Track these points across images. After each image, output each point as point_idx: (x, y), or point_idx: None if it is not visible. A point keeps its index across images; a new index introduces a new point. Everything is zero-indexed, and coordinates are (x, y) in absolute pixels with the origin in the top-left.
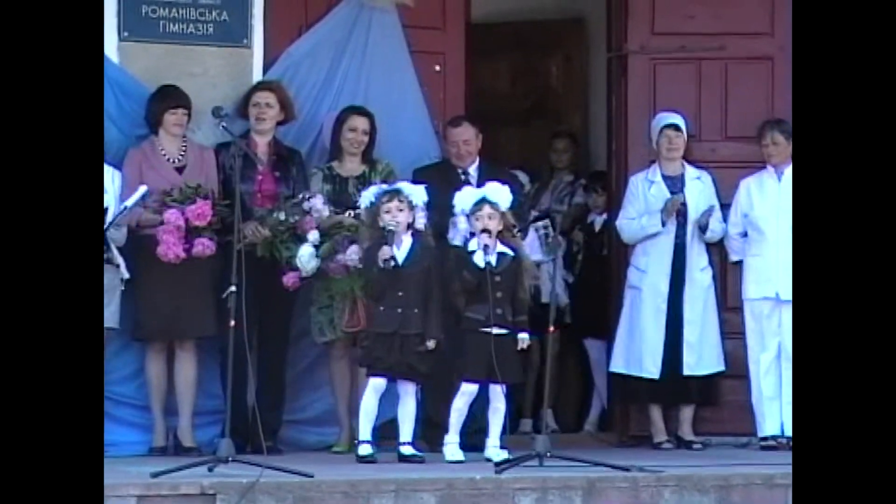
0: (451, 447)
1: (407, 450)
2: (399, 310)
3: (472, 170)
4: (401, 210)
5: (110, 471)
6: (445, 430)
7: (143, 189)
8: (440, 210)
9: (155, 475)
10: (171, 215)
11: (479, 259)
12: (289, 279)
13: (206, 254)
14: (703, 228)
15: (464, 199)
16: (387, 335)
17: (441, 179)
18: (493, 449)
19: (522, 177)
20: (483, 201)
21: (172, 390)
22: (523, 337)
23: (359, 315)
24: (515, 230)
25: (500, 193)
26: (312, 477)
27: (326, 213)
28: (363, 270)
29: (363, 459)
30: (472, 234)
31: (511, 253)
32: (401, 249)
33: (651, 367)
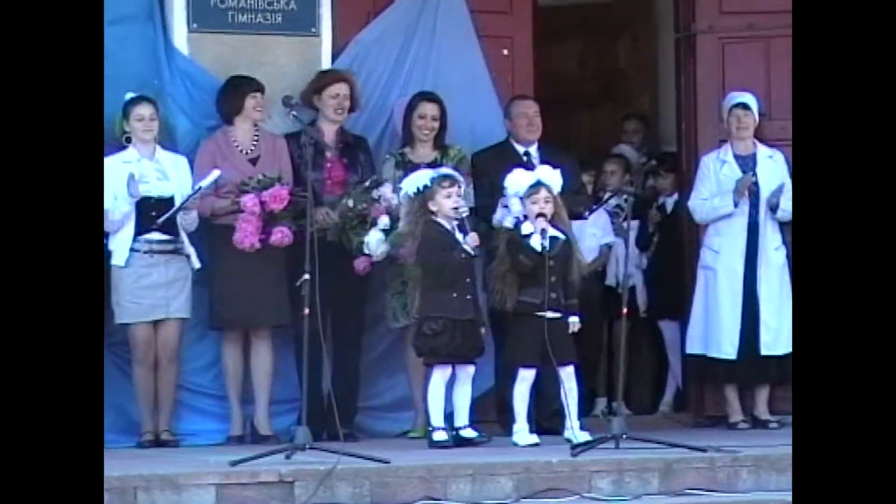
0: (522, 433)
1: (468, 433)
2: (469, 296)
3: (534, 150)
4: (460, 196)
5: (189, 460)
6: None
7: (216, 173)
8: (502, 191)
9: (234, 464)
10: (248, 200)
11: (536, 243)
12: (359, 264)
13: (284, 242)
14: (773, 208)
15: (517, 181)
16: (463, 322)
17: (503, 161)
18: (575, 430)
19: (630, 153)
20: (539, 185)
21: (249, 379)
22: (574, 320)
23: None
24: (587, 213)
25: (553, 177)
26: (389, 463)
27: (396, 201)
28: (426, 257)
29: (438, 445)
30: (525, 217)
31: (563, 236)
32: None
33: (729, 348)
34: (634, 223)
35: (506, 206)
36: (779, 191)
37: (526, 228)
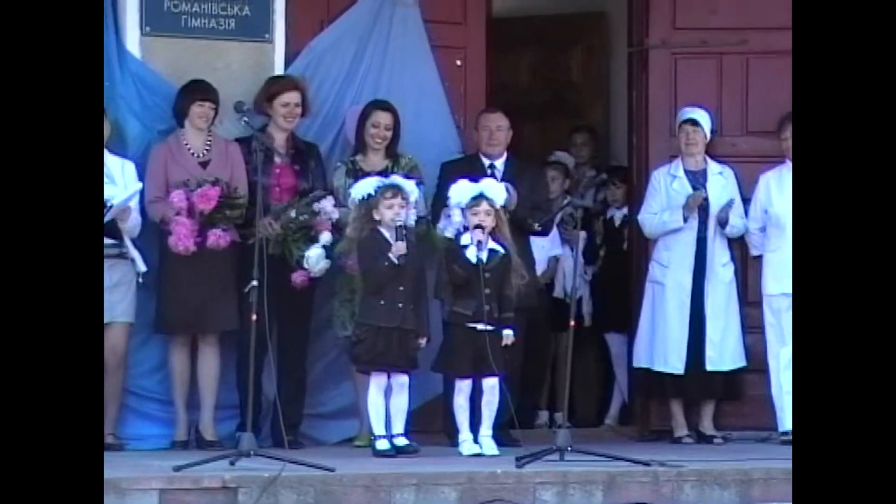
0: (466, 444)
1: (400, 441)
2: (400, 304)
3: (500, 164)
4: (402, 206)
5: (133, 464)
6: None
7: (137, 186)
8: (445, 201)
9: (177, 469)
10: (175, 196)
11: (471, 254)
12: (297, 277)
13: (220, 245)
14: (722, 223)
15: (461, 192)
16: (389, 329)
17: (468, 173)
18: (486, 440)
19: (567, 158)
20: (480, 197)
21: (194, 384)
22: (508, 333)
23: None
24: (537, 225)
25: (496, 190)
26: (334, 471)
27: (336, 215)
28: (360, 263)
29: (382, 454)
30: (466, 228)
31: (501, 250)
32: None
33: (676, 363)
34: (582, 233)
35: (448, 216)
36: (728, 206)
37: (465, 239)
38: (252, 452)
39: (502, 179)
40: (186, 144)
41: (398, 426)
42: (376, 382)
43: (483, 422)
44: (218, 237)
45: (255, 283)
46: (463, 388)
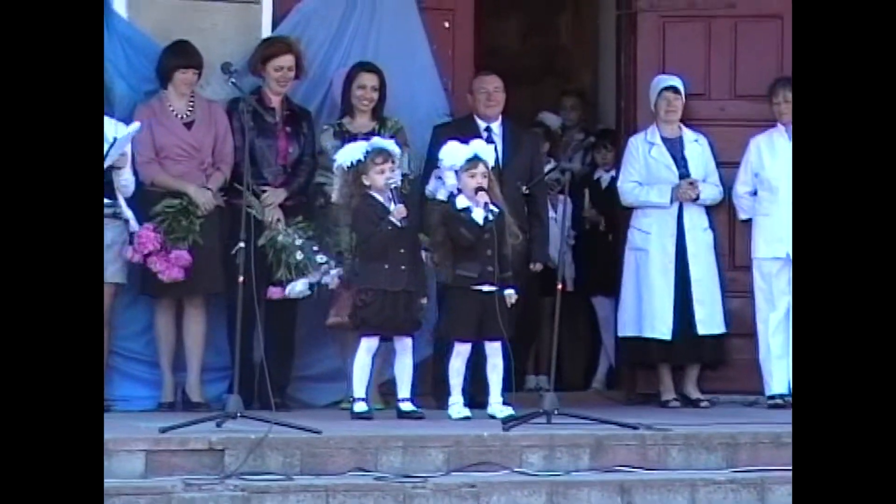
0: (456, 407)
1: (406, 406)
2: (403, 267)
3: (496, 126)
4: (392, 170)
5: (119, 425)
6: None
7: (135, 125)
8: (436, 163)
9: (163, 430)
10: (144, 233)
11: (479, 216)
12: (274, 293)
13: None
14: (694, 199)
15: (454, 154)
16: (395, 293)
17: (462, 136)
18: (497, 405)
19: (554, 120)
20: (476, 159)
21: (181, 346)
22: (510, 293)
23: None
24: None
25: (487, 151)
26: (321, 433)
27: (329, 279)
28: (358, 229)
29: (359, 416)
30: (459, 191)
31: (496, 210)
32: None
33: (663, 329)
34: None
35: (439, 178)
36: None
37: (461, 202)
38: (238, 414)
39: (501, 142)
40: (170, 106)
41: (404, 391)
42: (368, 344)
43: (492, 388)
44: (183, 259)
45: (241, 245)
46: (461, 351)
